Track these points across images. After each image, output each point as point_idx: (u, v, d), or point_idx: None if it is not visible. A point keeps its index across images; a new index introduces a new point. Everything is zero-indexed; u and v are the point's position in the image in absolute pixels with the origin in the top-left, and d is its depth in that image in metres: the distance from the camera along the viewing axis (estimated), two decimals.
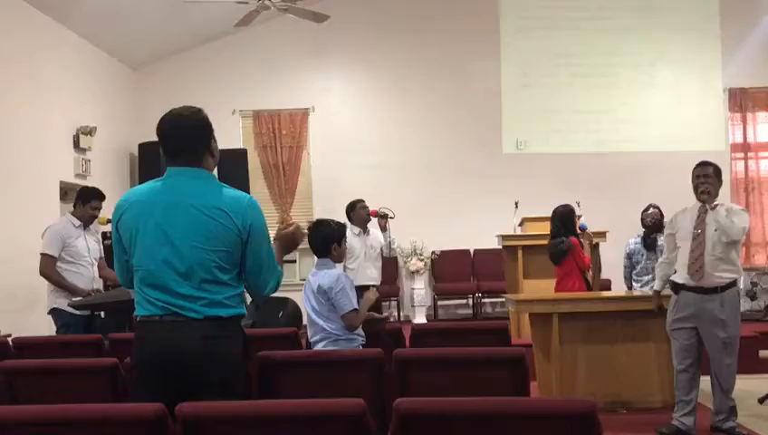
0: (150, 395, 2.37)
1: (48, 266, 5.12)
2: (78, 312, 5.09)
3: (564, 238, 6.02)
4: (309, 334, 3.97)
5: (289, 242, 3.05)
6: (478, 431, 2.04)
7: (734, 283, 4.60)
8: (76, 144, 8.07)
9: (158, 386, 2.43)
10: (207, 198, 2.53)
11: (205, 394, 2.35)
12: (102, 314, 5.29)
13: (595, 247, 7.10)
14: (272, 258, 2.66)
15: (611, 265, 7.57)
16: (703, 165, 4.74)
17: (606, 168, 9.69)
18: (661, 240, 6.86)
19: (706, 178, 4.66)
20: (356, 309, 3.87)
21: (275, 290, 2.72)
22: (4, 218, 6.53)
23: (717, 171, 4.72)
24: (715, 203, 4.65)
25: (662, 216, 7.00)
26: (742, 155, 10.03)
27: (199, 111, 2.68)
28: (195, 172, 2.59)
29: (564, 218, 6.14)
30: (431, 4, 9.96)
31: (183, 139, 2.60)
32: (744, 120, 10.03)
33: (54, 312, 5.17)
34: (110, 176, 8.78)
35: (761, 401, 5.34)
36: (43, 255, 5.15)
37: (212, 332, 2.47)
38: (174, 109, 2.67)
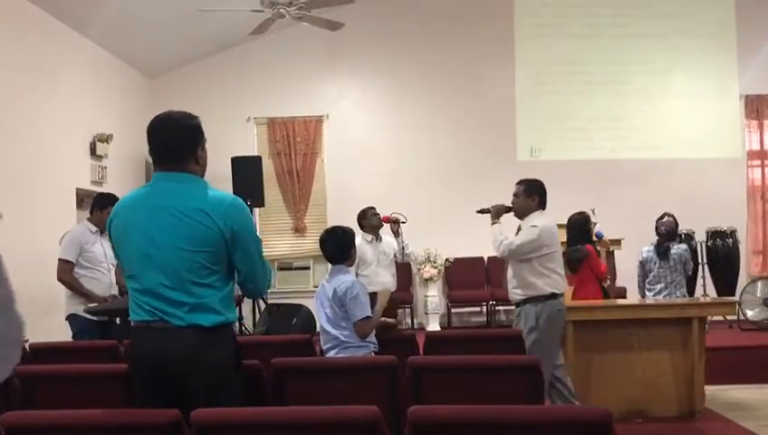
0: (146, 401, 2.46)
1: (65, 272, 5.17)
2: (94, 318, 5.13)
3: (580, 246, 5.99)
4: (321, 342, 3.97)
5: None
6: None
7: (529, 299, 4.60)
8: (93, 151, 8.14)
9: (152, 391, 2.50)
10: (190, 200, 2.56)
11: (191, 401, 2.35)
12: (118, 320, 5.31)
13: (610, 255, 7.06)
14: (261, 256, 2.69)
15: (628, 272, 7.51)
16: (517, 183, 4.86)
17: (621, 175, 9.63)
18: (674, 249, 6.82)
19: (515, 196, 4.79)
20: (369, 317, 3.86)
21: (267, 288, 2.78)
22: (22, 225, 6.59)
23: (529, 188, 4.75)
24: (527, 220, 4.68)
25: (677, 224, 6.96)
26: (759, 162, 9.95)
27: (193, 117, 2.70)
28: (179, 176, 2.62)
29: (580, 226, 6.11)
30: (445, 11, 9.96)
31: (170, 141, 2.63)
32: (761, 127, 9.95)
33: (71, 317, 5.21)
34: (125, 183, 8.83)
35: None
36: (60, 260, 5.20)
37: (196, 340, 2.50)
38: (168, 111, 2.69)
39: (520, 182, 4.85)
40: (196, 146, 2.66)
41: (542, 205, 4.75)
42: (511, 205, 4.82)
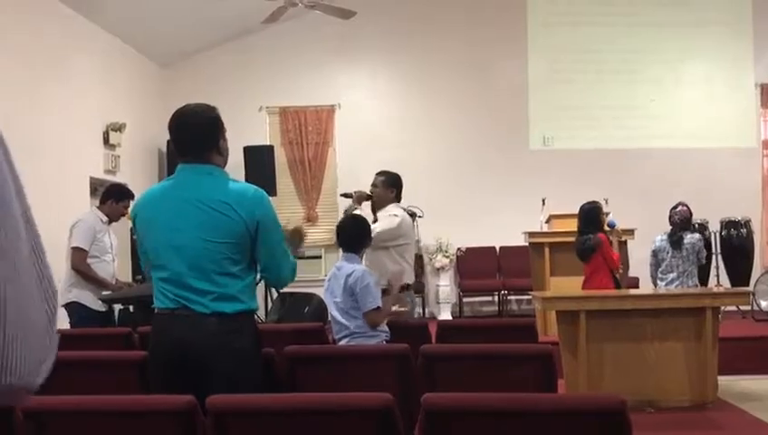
0: (165, 386, 2.50)
1: (82, 261, 5.17)
2: (96, 307, 5.14)
3: (591, 235, 5.97)
4: (333, 332, 3.98)
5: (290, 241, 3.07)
6: (506, 427, 2.04)
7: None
8: (106, 140, 8.17)
9: (172, 377, 2.53)
10: (214, 192, 2.61)
11: (212, 388, 2.38)
12: (132, 307, 5.35)
13: (622, 245, 7.03)
14: (284, 248, 2.73)
15: (640, 262, 7.48)
16: (377, 174, 4.91)
17: (635, 164, 9.57)
18: (687, 238, 6.79)
19: (374, 186, 4.84)
20: (379, 307, 3.86)
21: (292, 279, 2.82)
22: (36, 214, 6.61)
23: (389, 180, 4.82)
24: (385, 210, 4.74)
25: (690, 214, 6.91)
26: None
27: (212, 108, 2.75)
28: (202, 168, 2.67)
29: (591, 215, 6.09)
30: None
31: (192, 135, 2.68)
32: None
33: (73, 305, 5.16)
34: (138, 172, 8.87)
35: None
36: (75, 249, 5.18)
37: (220, 327, 2.55)
38: (188, 105, 2.74)
39: (380, 173, 4.93)
40: (217, 137, 2.72)
41: (398, 198, 4.87)
42: (370, 193, 4.87)
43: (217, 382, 2.48)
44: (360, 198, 4.88)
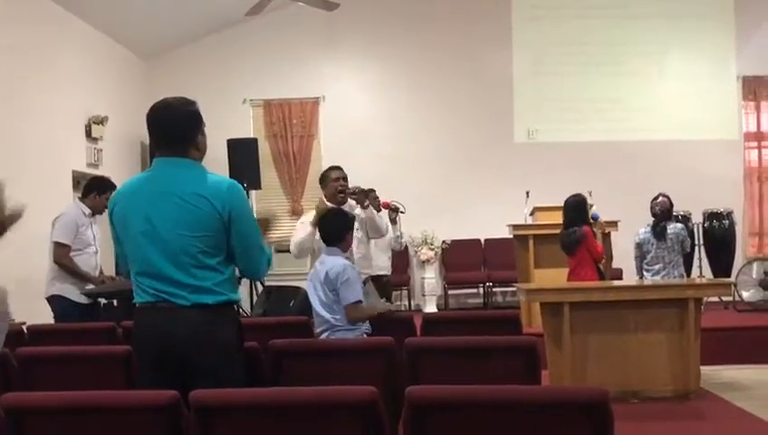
0: (151, 381, 2.48)
1: (63, 255, 5.14)
2: (79, 300, 5.10)
3: (577, 228, 6.00)
4: (314, 325, 3.98)
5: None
6: (491, 419, 2.04)
7: None
8: (88, 134, 8.09)
9: (157, 372, 2.54)
10: (189, 185, 2.61)
11: (197, 382, 2.39)
12: (115, 301, 5.32)
13: (606, 237, 7.07)
14: (258, 240, 2.72)
15: (624, 254, 7.54)
16: (339, 168, 5.04)
17: (618, 156, 9.61)
18: (671, 228, 6.84)
19: (345, 180, 4.97)
20: (359, 301, 3.86)
21: (265, 273, 2.81)
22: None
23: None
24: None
25: (671, 204, 6.98)
26: (755, 144, 9.94)
27: (191, 103, 2.74)
28: (178, 162, 2.66)
29: (577, 208, 6.11)
30: None
31: (170, 129, 2.68)
32: (759, 109, 9.93)
33: (55, 299, 5.15)
34: (121, 165, 8.80)
35: None
36: (57, 244, 5.15)
37: (201, 319, 2.55)
38: (166, 98, 2.74)
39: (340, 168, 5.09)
40: (195, 132, 2.71)
41: None
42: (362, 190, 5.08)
43: (201, 374, 2.48)
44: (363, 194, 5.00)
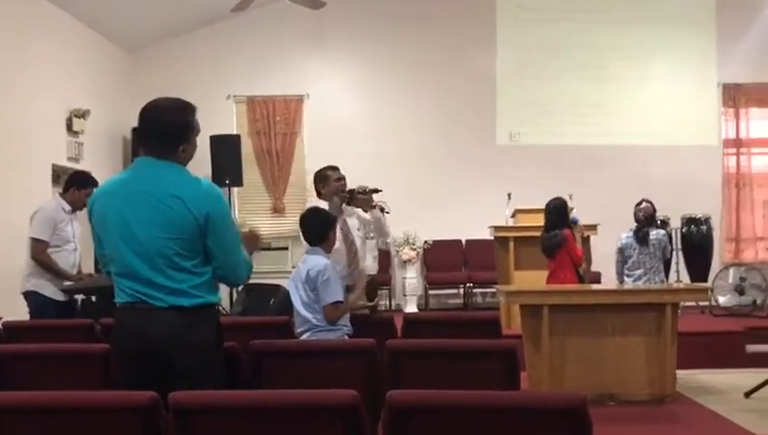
0: (131, 381, 2.47)
1: (40, 251, 5.05)
2: (56, 297, 5.04)
3: (558, 232, 6.04)
4: (296, 325, 3.96)
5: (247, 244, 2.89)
6: (470, 424, 2.06)
7: None
8: (69, 127, 8.00)
9: (136, 372, 2.52)
10: (167, 186, 2.56)
11: (176, 382, 2.38)
12: (93, 298, 5.27)
13: (585, 240, 7.13)
14: (237, 245, 2.66)
15: (603, 258, 7.60)
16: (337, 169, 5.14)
17: (599, 161, 9.69)
18: (653, 234, 6.91)
19: (344, 181, 5.03)
20: (339, 302, 3.85)
21: (245, 278, 2.75)
22: None
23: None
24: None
25: (654, 210, 7.04)
26: (734, 150, 10.05)
27: (191, 110, 2.69)
28: (159, 162, 2.61)
29: (559, 211, 6.16)
30: None
31: (163, 132, 2.62)
32: (738, 116, 10.04)
33: (31, 295, 5.07)
34: (102, 160, 8.72)
35: (747, 394, 5.39)
36: (34, 240, 5.06)
37: (179, 320, 2.52)
38: (167, 99, 2.69)
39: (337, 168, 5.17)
40: (184, 142, 2.65)
41: None
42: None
43: (179, 375, 2.47)
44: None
